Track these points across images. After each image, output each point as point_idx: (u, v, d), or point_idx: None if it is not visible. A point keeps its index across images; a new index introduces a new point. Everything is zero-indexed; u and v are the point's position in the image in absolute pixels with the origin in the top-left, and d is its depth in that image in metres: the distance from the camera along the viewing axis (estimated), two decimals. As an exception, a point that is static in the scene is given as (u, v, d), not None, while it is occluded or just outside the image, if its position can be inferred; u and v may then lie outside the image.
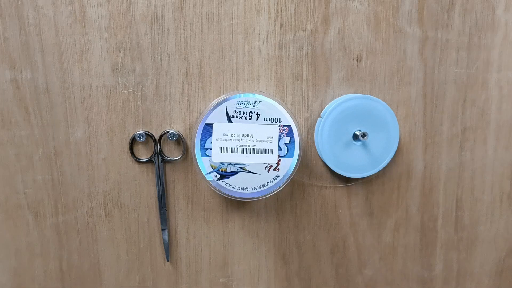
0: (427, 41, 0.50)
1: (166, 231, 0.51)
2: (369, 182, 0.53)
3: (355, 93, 0.50)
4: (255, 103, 0.45)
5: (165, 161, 0.50)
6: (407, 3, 0.49)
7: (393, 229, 0.54)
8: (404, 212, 0.54)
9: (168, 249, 0.51)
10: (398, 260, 0.55)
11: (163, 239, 0.51)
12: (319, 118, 0.50)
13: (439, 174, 0.53)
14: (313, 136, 0.51)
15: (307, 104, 0.50)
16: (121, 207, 0.51)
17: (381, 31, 0.49)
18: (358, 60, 0.50)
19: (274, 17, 0.48)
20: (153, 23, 0.47)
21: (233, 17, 0.47)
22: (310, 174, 0.52)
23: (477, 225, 0.55)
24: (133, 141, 0.49)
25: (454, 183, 0.54)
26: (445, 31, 0.50)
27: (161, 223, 0.51)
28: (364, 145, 0.50)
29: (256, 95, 0.46)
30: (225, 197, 0.51)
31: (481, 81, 0.52)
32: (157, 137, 0.49)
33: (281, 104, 0.46)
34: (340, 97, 0.50)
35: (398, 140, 0.51)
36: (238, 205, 0.52)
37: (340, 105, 0.49)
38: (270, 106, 0.46)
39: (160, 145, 0.49)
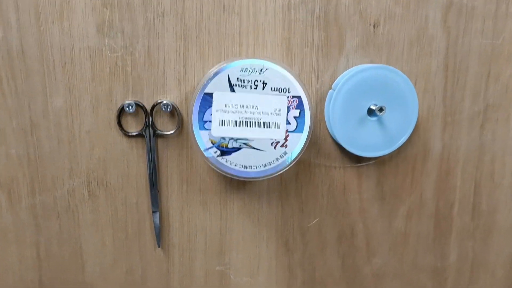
0: (451, 7, 0.45)
1: (158, 214, 0.45)
2: (382, 163, 0.48)
3: (370, 63, 0.45)
4: (261, 71, 0.40)
5: (157, 135, 0.44)
6: (431, -37, 0.44)
7: (406, 216, 0.50)
8: (418, 197, 0.49)
9: (159, 234, 0.46)
10: (409, 249, 0.51)
11: (154, 223, 0.46)
12: (331, 90, 0.45)
13: (457, 156, 0.49)
14: (323, 110, 0.46)
15: (318, 75, 0.45)
16: (106, 186, 0.45)
17: (401, -6, 0.44)
18: (375, 26, 0.44)
19: (283, -25, 0.42)
20: (145, -24, 0.41)
21: (237, -27, 0.42)
22: (318, 153, 0.47)
23: (495, 212, 0.51)
24: (121, 112, 0.43)
25: (473, 166, 0.49)
26: (471, -3, 0.45)
27: (152, 205, 0.45)
28: (379, 121, 0.45)
29: (263, 61, 0.40)
30: (224, 176, 0.45)
31: (507, 54, 0.47)
32: (148, 108, 0.43)
33: (291, 73, 0.41)
34: (354, 67, 0.45)
35: (416, 117, 0.46)
36: (237, 186, 0.46)
37: (354, 76, 0.43)
38: (278, 74, 0.40)
39: (152, 117, 0.43)
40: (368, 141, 0.45)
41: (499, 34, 0.46)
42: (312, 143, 0.46)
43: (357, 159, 0.47)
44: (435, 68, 0.46)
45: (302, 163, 0.47)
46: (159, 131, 0.44)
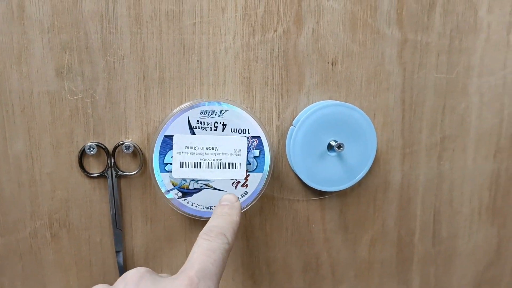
0: (406, 44, 0.46)
1: (121, 254, 0.45)
2: (344, 194, 0.49)
3: (330, 99, 0.46)
4: (220, 112, 0.41)
5: (119, 176, 0.44)
6: (386, 2, 0.45)
7: (369, 245, 0.51)
8: (380, 226, 0.51)
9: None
10: (374, 276, 0.52)
11: (118, 263, 0.46)
12: (291, 127, 0.45)
13: (417, 185, 0.50)
14: (284, 146, 0.46)
15: (278, 112, 0.46)
16: (69, 227, 0.45)
17: (358, 32, 0.45)
18: (334, 64, 0.45)
19: (242, 16, 0.43)
20: (104, 20, 0.41)
21: (196, 15, 0.42)
22: (281, 187, 0.47)
23: (455, 238, 0.52)
24: (82, 153, 0.43)
25: (432, 195, 0.51)
26: (425, 34, 0.46)
27: (116, 245, 0.45)
28: (339, 156, 0.46)
29: (222, 103, 0.41)
30: (188, 214, 0.46)
31: (461, 87, 0.48)
32: (110, 149, 0.43)
33: (250, 113, 0.41)
34: (314, 104, 0.46)
35: (375, 150, 0.47)
36: (202, 222, 0.47)
37: (314, 113, 0.44)
38: (238, 115, 0.41)
39: (114, 158, 0.43)
40: (329, 175, 0.46)
41: (453, 68, 0.48)
42: (275, 178, 0.47)
43: (320, 192, 0.48)
44: (392, 102, 0.47)
45: (266, 198, 0.47)
46: (121, 172, 0.44)
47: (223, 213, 0.37)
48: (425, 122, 0.49)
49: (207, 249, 0.33)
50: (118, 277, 0.45)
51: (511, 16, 0.47)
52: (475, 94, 0.49)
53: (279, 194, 0.48)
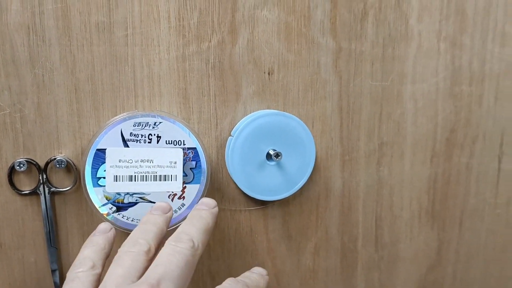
0: (341, 52, 0.47)
1: (57, 273, 0.44)
2: (286, 203, 0.49)
3: (267, 108, 0.46)
4: (155, 124, 0.40)
5: (53, 192, 0.43)
6: (319, 12, 0.46)
7: (313, 252, 0.51)
8: (323, 233, 0.51)
9: (60, 293, 0.44)
10: (319, 284, 0.52)
11: (54, 282, 0.44)
12: (230, 137, 0.45)
13: (357, 191, 0.51)
14: (223, 156, 0.46)
15: (216, 122, 0.45)
16: (1, 247, 0.43)
17: (293, 42, 0.46)
18: (270, 73, 0.46)
19: (175, 27, 0.43)
20: (31, 33, 0.40)
21: (128, 27, 0.42)
22: (222, 198, 0.47)
23: (397, 242, 0.53)
24: (12, 170, 0.42)
25: (373, 201, 0.52)
26: (358, 42, 0.47)
27: (51, 263, 0.44)
28: (278, 165, 0.46)
29: (156, 115, 0.40)
30: (126, 229, 0.45)
31: (396, 94, 0.50)
32: (42, 165, 0.42)
33: (185, 125, 0.41)
34: (251, 114, 0.46)
35: (314, 158, 0.47)
36: (142, 237, 0.46)
37: (252, 123, 0.44)
38: (173, 127, 0.40)
39: (46, 174, 0.42)
40: (269, 184, 0.46)
41: (387, 76, 0.49)
42: (215, 189, 0.47)
43: (261, 201, 0.48)
44: (330, 110, 0.48)
45: (207, 209, 0.47)
46: (54, 188, 0.42)
47: (198, 216, 0.37)
48: (363, 129, 0.50)
49: (169, 253, 0.33)
50: (53, 297, 0.43)
51: (441, 24, 0.49)
52: (410, 101, 0.50)
53: (220, 205, 0.47)
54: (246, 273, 0.40)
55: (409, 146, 0.51)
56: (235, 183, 0.47)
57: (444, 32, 0.49)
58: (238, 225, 0.48)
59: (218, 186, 0.47)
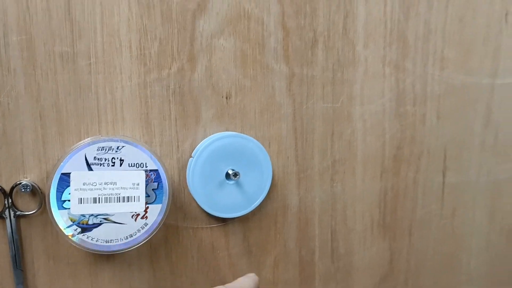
0: (294, 77, 0.51)
1: (23, 294, 0.45)
2: (246, 219, 0.52)
3: (226, 130, 0.49)
4: (118, 148, 0.42)
5: (18, 216, 0.44)
6: (272, 40, 0.49)
7: (273, 266, 0.54)
8: (282, 247, 0.54)
9: (26, 314, 0.45)
10: (279, 296, 0.55)
11: (20, 304, 0.45)
12: (190, 158, 0.48)
13: (313, 207, 0.54)
14: (185, 177, 0.49)
15: (178, 145, 0.48)
16: (-34, 271, 0.44)
17: (249, 68, 0.49)
18: (228, 98, 0.49)
19: (137, 56, 0.45)
20: (-4, 63, 0.42)
21: (91, 56, 0.44)
22: (184, 217, 0.49)
23: (352, 254, 0.57)
24: (-23, 195, 0.43)
25: (328, 215, 0.55)
26: (310, 68, 0.51)
27: (17, 285, 0.45)
28: (237, 183, 0.49)
29: (119, 139, 0.42)
30: (91, 249, 0.46)
31: (347, 114, 0.53)
32: (7, 189, 0.43)
33: (147, 148, 0.43)
34: (211, 136, 0.48)
35: (271, 176, 0.50)
36: (106, 256, 0.48)
37: (211, 144, 0.47)
38: (135, 150, 0.43)
39: (11, 198, 0.43)
40: (229, 202, 0.49)
41: (337, 98, 0.53)
42: (178, 208, 0.49)
43: (223, 219, 0.51)
44: (285, 131, 0.51)
45: (170, 228, 0.49)
46: (20, 212, 0.44)
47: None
48: (317, 148, 0.53)
49: None
50: (19, 319, 0.44)
51: (385, 50, 0.53)
52: (359, 121, 0.54)
53: (182, 224, 0.49)
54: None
55: (360, 163, 0.55)
56: (196, 202, 0.49)
57: (388, 57, 0.54)
58: (200, 242, 0.51)
59: (180, 205, 0.49)
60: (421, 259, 0.60)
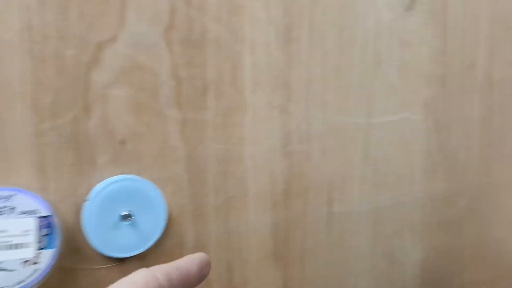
0: (186, 122, 0.55)
1: None
2: (144, 257, 0.54)
3: (121, 174, 0.52)
4: (9, 197, 0.44)
5: None
6: (165, 89, 0.53)
7: (171, 300, 0.56)
8: (180, 282, 0.57)
9: None
10: (179, 329, 0.57)
11: None
12: (86, 202, 0.50)
13: (209, 242, 0.58)
14: (81, 220, 0.51)
15: (74, 189, 0.50)
16: None
17: (143, 114, 0.52)
18: (123, 143, 0.52)
19: (30, 106, 0.47)
20: None
21: (-18, 107, 0.45)
22: (80, 259, 0.51)
23: (247, 284, 0.61)
24: None
25: (223, 248, 0.59)
26: (201, 113, 0.55)
27: None
28: (133, 223, 0.52)
29: (10, 188, 0.44)
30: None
31: (238, 155, 0.58)
32: None
33: (39, 195, 0.45)
34: (106, 180, 0.51)
35: (166, 215, 0.54)
36: (0, 302, 0.48)
37: (106, 187, 0.50)
38: (27, 198, 0.44)
39: None
40: (125, 242, 0.52)
41: (229, 140, 0.57)
42: (74, 251, 0.51)
43: (120, 258, 0.53)
44: (180, 173, 0.55)
45: (67, 271, 0.50)
46: None
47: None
48: (211, 187, 0.57)
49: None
50: None
51: (271, 95, 0.59)
52: (250, 160, 0.59)
53: (79, 265, 0.51)
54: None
55: (252, 198, 0.60)
56: (92, 243, 0.51)
57: (274, 101, 0.59)
58: (97, 283, 0.52)
59: (76, 248, 0.51)
60: (312, 285, 0.65)
